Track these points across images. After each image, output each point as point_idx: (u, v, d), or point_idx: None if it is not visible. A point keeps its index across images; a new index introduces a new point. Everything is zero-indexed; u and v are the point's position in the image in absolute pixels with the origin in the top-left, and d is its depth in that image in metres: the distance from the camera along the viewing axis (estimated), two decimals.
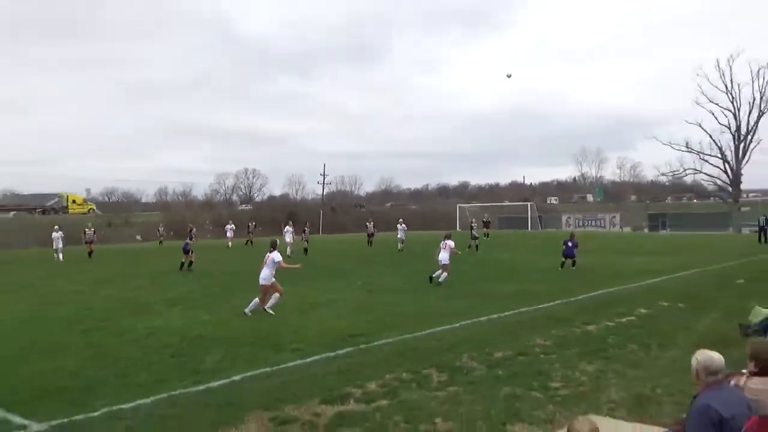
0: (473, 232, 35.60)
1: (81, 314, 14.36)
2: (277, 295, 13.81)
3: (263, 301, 13.77)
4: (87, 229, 35.57)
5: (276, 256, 13.99)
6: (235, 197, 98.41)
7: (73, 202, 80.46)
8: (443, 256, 19.12)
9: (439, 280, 18.89)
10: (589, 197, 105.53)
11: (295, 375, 8.69)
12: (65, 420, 6.77)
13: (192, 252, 25.40)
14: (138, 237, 58.14)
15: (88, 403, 7.36)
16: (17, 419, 6.83)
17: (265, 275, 13.84)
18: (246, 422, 6.67)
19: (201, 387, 8.11)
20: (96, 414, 6.99)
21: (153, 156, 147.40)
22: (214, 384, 8.24)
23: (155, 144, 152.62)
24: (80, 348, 10.67)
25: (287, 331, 11.80)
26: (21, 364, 9.47)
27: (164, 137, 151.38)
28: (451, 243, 19.53)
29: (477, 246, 33.64)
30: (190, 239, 25.96)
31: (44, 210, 77.50)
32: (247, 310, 13.57)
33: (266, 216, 74.88)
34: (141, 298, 17.08)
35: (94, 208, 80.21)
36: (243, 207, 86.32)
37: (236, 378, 8.52)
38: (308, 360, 9.54)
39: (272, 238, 15.08)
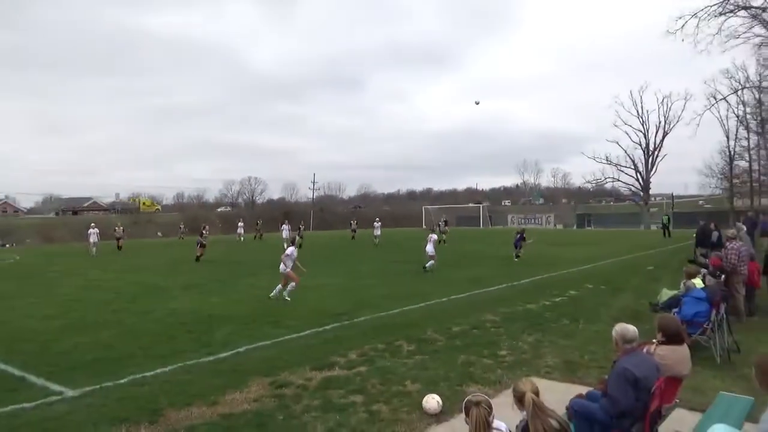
0: (440, 228, 36.19)
1: (111, 297, 14.07)
2: (293, 284, 12.98)
3: (284, 285, 13.03)
4: (117, 227, 34.57)
5: (290, 250, 13.35)
6: (240, 200, 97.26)
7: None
8: (429, 248, 18.75)
9: (427, 266, 18.44)
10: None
11: (290, 346, 8.59)
12: (96, 387, 6.61)
13: (199, 246, 24.56)
14: (159, 233, 57.15)
15: (116, 372, 7.21)
16: (55, 386, 6.65)
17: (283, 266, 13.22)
18: (249, 386, 6.59)
19: (211, 357, 7.99)
20: (123, 381, 6.85)
21: (172, 167, 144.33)
22: (223, 355, 8.12)
23: (174, 157, 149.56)
24: (110, 325, 10.44)
25: (283, 311, 11.67)
26: (59, 340, 9.25)
27: (181, 151, 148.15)
28: (434, 236, 19.54)
29: (444, 240, 33.64)
30: (201, 235, 25.21)
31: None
32: (271, 295, 12.99)
33: (267, 215, 74.35)
34: (161, 283, 16.78)
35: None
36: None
37: (241, 350, 8.40)
38: (301, 334, 9.44)
39: (293, 235, 14.59)
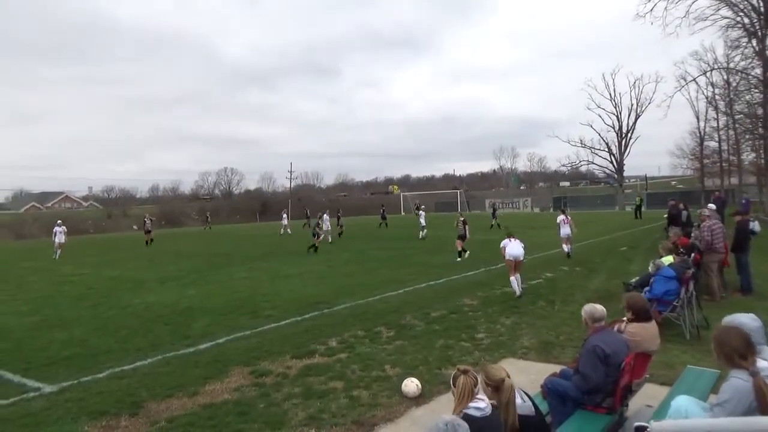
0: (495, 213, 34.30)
1: (86, 292, 13.89)
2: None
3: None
4: (146, 219, 30.91)
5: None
6: (217, 191, 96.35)
7: (395, 188, 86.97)
8: (566, 231, 17.60)
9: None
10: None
11: (269, 336, 8.62)
12: (74, 381, 6.58)
13: (316, 237, 23.02)
14: (134, 227, 56.26)
15: (94, 367, 7.19)
16: (32, 383, 6.60)
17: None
18: (229, 376, 6.62)
19: (191, 349, 7.98)
20: (101, 375, 6.82)
21: (145, 159, 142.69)
22: (202, 346, 8.11)
23: (147, 148, 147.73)
24: (86, 321, 10.33)
25: (262, 300, 11.68)
26: (33, 337, 9.13)
27: (154, 143, 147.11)
28: (564, 217, 18.14)
29: (498, 224, 31.68)
30: (317, 225, 23.84)
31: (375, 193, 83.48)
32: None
33: (243, 205, 73.98)
34: (137, 277, 16.59)
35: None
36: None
37: (220, 340, 8.41)
38: (280, 323, 9.47)
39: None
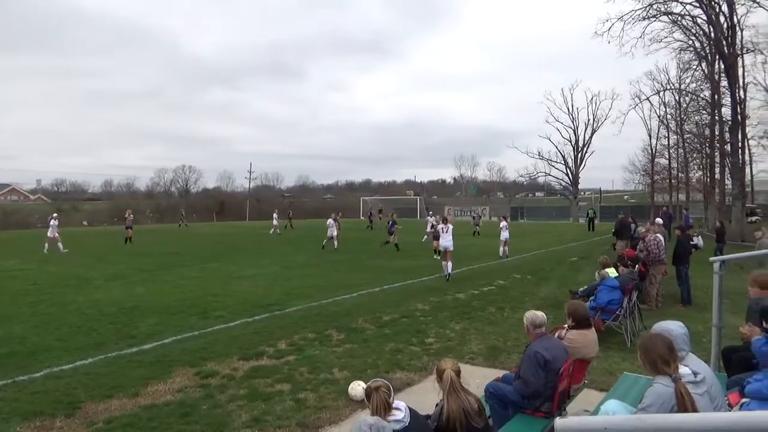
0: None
1: (29, 288, 13.32)
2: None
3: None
4: (128, 215, 28.58)
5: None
6: (173, 189, 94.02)
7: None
8: (506, 235, 20.47)
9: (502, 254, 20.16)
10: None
11: (217, 337, 8.47)
12: (8, 381, 6.31)
13: (395, 235, 23.94)
14: (84, 222, 54.43)
15: (31, 366, 6.91)
16: None
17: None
18: (173, 377, 6.49)
19: (135, 349, 7.76)
20: (38, 375, 6.56)
21: (99, 153, 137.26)
22: (147, 346, 7.90)
23: (101, 143, 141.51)
24: (26, 318, 9.89)
25: (213, 301, 11.47)
26: None
27: (110, 137, 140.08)
28: (505, 223, 21.13)
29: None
30: (392, 224, 24.35)
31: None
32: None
33: (200, 204, 72.59)
34: (84, 274, 16.00)
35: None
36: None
37: (167, 341, 8.21)
38: (230, 324, 9.32)
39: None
